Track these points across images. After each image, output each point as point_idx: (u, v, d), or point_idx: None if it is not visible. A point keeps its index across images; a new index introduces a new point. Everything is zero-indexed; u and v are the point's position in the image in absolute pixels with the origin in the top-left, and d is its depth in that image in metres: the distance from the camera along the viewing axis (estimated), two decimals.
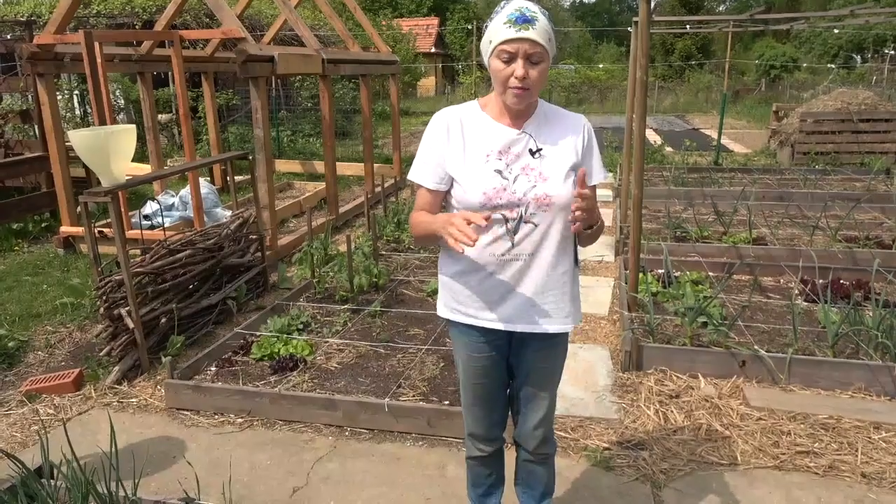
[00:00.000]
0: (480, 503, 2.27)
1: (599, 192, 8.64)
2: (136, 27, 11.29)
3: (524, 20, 1.65)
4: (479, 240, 1.81)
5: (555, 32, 1.72)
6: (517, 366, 2.00)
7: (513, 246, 1.79)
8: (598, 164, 1.88)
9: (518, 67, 1.68)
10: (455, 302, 1.93)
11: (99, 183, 3.85)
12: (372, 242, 5.32)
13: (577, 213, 1.65)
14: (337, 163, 7.44)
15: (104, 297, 3.52)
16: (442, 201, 1.89)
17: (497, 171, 1.77)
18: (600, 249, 5.89)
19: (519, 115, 1.81)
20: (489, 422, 2.08)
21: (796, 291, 4.62)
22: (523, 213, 1.77)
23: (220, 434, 3.07)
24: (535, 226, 1.79)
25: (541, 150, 1.79)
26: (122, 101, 12.26)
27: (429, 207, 1.87)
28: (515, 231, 1.78)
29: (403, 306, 4.49)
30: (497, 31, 1.69)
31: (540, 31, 1.66)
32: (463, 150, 1.81)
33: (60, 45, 5.75)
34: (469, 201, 1.78)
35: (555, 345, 1.95)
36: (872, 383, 3.25)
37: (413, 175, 1.88)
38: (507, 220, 1.78)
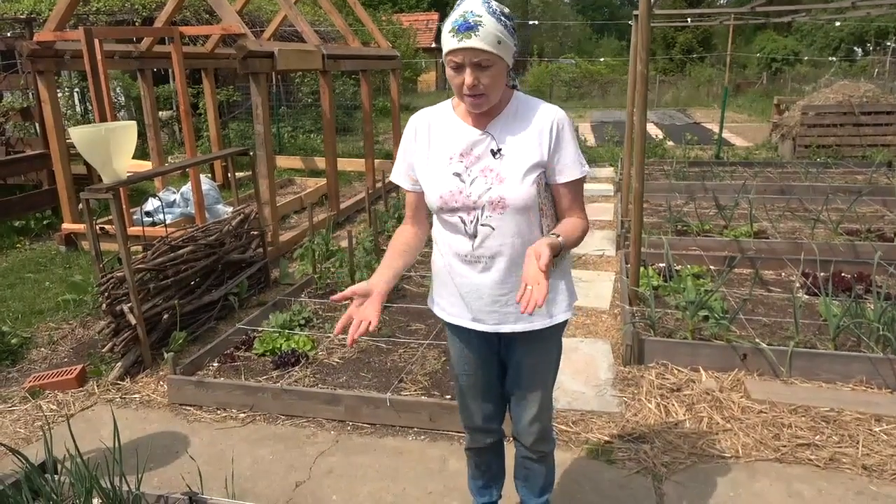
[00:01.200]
0: (481, 495, 2.29)
1: (600, 186, 8.64)
2: (136, 24, 11.27)
3: (466, 27, 1.57)
4: (447, 240, 1.86)
5: (512, 29, 1.64)
6: (507, 362, 2.00)
7: (473, 248, 1.80)
8: (572, 158, 1.77)
9: (467, 76, 1.62)
10: (438, 296, 1.98)
11: (100, 180, 3.85)
12: (373, 238, 5.33)
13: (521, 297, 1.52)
14: (338, 159, 7.43)
15: (106, 294, 3.53)
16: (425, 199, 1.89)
17: (456, 174, 1.77)
18: (601, 244, 5.90)
19: (484, 114, 1.76)
20: (483, 413, 2.08)
21: (797, 284, 4.62)
22: (479, 216, 1.76)
23: (223, 429, 3.09)
24: (493, 228, 1.76)
25: (500, 149, 1.75)
26: (123, 98, 12.26)
27: (415, 205, 1.94)
28: (474, 234, 1.78)
29: (405, 301, 4.50)
30: (444, 39, 1.63)
31: (485, 35, 1.58)
32: (427, 154, 1.83)
33: (60, 43, 5.75)
34: (429, 203, 1.83)
35: (540, 340, 1.92)
36: (874, 376, 3.25)
37: (393, 177, 1.95)
38: (465, 223, 1.78)
